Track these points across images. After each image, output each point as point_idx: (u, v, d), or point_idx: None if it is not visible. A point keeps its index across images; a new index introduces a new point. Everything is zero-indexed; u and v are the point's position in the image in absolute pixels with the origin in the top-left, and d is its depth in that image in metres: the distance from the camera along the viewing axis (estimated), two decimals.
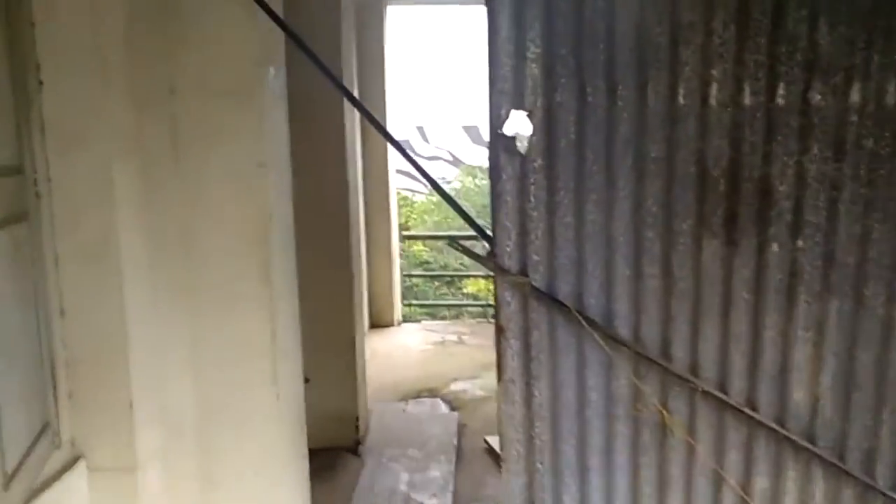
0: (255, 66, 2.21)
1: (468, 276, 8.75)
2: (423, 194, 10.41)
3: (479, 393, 5.17)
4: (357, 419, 4.25)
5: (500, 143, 1.99)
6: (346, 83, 3.71)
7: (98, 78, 2.02)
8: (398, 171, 6.84)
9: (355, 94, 3.88)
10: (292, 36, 2.12)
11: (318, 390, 3.08)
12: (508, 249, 2.05)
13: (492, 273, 2.10)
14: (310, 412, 2.77)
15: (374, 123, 2.27)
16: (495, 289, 2.13)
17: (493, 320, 7.55)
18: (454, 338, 6.46)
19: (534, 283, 2.04)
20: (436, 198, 10.98)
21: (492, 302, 7.78)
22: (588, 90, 1.93)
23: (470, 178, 10.70)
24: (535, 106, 1.95)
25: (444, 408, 4.95)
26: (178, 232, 2.28)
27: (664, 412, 2.07)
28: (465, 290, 9.02)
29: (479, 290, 8.61)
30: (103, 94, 2.04)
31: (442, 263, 9.46)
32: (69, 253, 2.05)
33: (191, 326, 2.32)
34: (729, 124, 1.94)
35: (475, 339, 6.39)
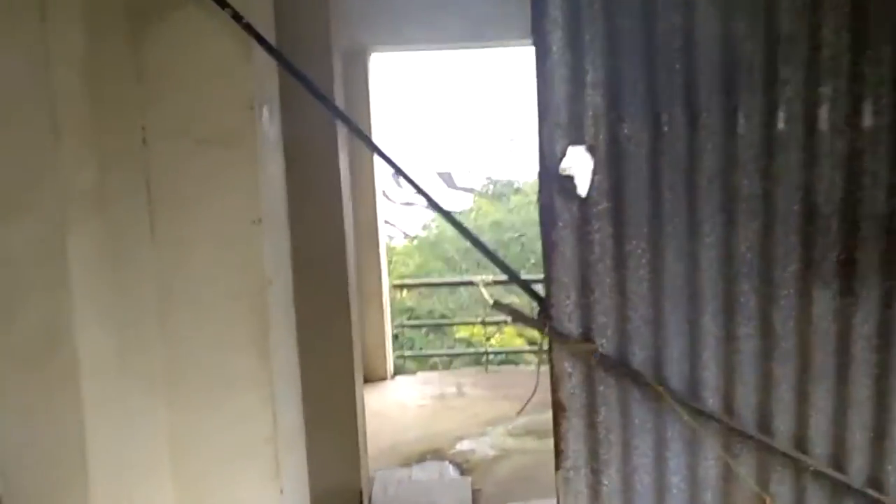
0: (248, 108, 1.86)
1: (462, 324, 8.37)
2: (402, 239, 10.19)
3: (490, 452, 4.76)
4: (361, 493, 3.86)
5: (553, 185, 1.69)
6: (337, 129, 3.44)
7: (48, 128, 1.67)
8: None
9: (344, 141, 3.59)
10: (296, 74, 1.78)
11: (317, 462, 2.72)
12: (568, 310, 1.75)
13: (508, 322, 1.81)
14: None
15: (401, 174, 1.95)
16: (550, 358, 1.81)
17: (490, 370, 7.11)
18: (453, 389, 6.06)
19: (601, 349, 1.75)
20: (416, 241, 10.73)
21: (489, 349, 7.49)
22: (663, 119, 1.65)
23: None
24: (598, 140, 1.66)
25: (452, 472, 4.53)
26: (156, 309, 1.90)
27: (765, 497, 1.79)
28: (456, 336, 8.64)
29: (472, 336, 8.24)
30: (55, 148, 1.68)
31: (428, 309, 9.10)
32: (5, 351, 1.66)
33: (172, 421, 1.94)
34: (843, 152, 1.65)
35: (476, 389, 5.99)
